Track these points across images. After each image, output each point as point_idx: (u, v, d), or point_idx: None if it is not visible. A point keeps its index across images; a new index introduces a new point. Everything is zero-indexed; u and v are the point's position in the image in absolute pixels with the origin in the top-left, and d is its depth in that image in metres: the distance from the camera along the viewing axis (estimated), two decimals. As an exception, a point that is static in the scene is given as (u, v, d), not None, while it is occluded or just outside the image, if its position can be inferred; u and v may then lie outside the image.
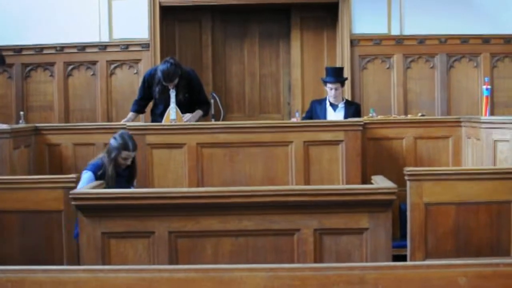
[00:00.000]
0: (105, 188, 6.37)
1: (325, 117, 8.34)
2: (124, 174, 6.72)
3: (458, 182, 5.94)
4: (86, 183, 6.45)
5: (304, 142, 7.47)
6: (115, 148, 6.57)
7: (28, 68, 9.95)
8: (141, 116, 8.96)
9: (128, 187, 6.67)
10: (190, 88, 8.06)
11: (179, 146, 7.47)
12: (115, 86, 9.96)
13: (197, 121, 8.09)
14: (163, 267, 3.63)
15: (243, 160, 7.36)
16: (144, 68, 9.65)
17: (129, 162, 6.66)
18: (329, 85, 8.35)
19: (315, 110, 8.48)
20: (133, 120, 8.29)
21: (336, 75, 8.33)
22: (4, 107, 9.95)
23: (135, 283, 3.45)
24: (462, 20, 9.87)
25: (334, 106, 8.38)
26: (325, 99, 8.52)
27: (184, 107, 8.01)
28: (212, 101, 8.23)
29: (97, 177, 6.49)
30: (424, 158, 7.77)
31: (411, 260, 5.91)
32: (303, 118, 8.60)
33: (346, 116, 8.29)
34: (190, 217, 5.13)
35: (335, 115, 8.37)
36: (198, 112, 8.18)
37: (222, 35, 10.55)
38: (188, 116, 8.00)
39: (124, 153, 6.56)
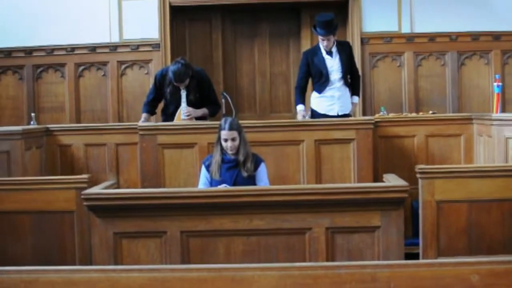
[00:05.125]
0: (210, 175, 6.40)
1: (325, 66, 8.24)
2: (234, 163, 6.46)
3: (470, 180, 5.93)
4: (200, 177, 6.56)
5: (315, 140, 7.46)
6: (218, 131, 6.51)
7: (39, 69, 9.97)
8: (153, 116, 8.95)
9: (243, 178, 6.40)
10: (200, 88, 8.05)
11: (190, 146, 7.47)
12: (126, 86, 9.97)
13: (200, 118, 8.05)
14: (176, 267, 3.63)
15: (254, 159, 7.36)
16: (154, 68, 9.67)
17: (230, 143, 6.37)
18: (320, 37, 8.27)
19: (312, 61, 8.35)
20: (147, 121, 8.26)
21: (327, 27, 8.16)
22: (15, 109, 9.98)
23: (148, 283, 3.45)
24: (473, 17, 9.83)
25: (329, 53, 8.30)
26: (318, 48, 8.38)
27: (195, 107, 8.00)
28: (223, 100, 8.20)
29: (206, 168, 6.49)
30: (435, 156, 7.74)
31: (423, 258, 5.90)
32: (299, 73, 8.53)
33: (341, 61, 8.26)
34: (201, 216, 5.14)
35: (333, 61, 8.27)
36: (203, 109, 8.13)
37: (233, 35, 10.55)
38: (190, 108, 7.95)
39: (222, 133, 6.38)
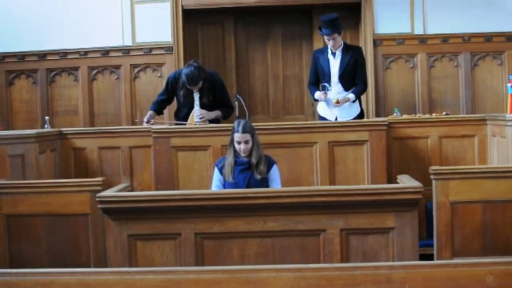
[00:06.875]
0: (223, 177, 6.40)
1: (328, 67, 8.24)
2: (247, 165, 6.45)
3: (484, 181, 5.91)
4: (213, 179, 6.56)
5: (329, 142, 7.45)
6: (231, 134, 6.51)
7: (53, 73, 10.00)
8: (165, 119, 8.98)
9: (256, 181, 6.39)
10: (213, 91, 8.06)
11: (203, 148, 7.48)
12: (139, 89, 10.00)
13: (213, 121, 8.05)
14: (190, 269, 3.65)
15: (267, 161, 7.36)
16: (167, 71, 9.68)
17: (243, 146, 6.36)
18: (326, 37, 8.25)
19: (318, 60, 8.39)
20: (152, 118, 8.23)
21: (331, 26, 8.12)
22: (29, 112, 10.01)
23: (162, 284, 3.46)
24: (485, 18, 9.80)
25: (334, 54, 8.28)
26: (326, 48, 8.36)
27: (208, 110, 8.01)
28: (236, 103, 8.21)
29: (219, 170, 6.48)
30: (449, 157, 7.73)
31: (437, 259, 5.89)
32: (310, 72, 8.60)
33: (342, 64, 8.21)
34: (215, 218, 5.15)
35: (334, 62, 8.26)
36: (217, 112, 8.14)
37: (245, 37, 10.56)
38: (203, 110, 7.96)
39: (235, 136, 6.37)
